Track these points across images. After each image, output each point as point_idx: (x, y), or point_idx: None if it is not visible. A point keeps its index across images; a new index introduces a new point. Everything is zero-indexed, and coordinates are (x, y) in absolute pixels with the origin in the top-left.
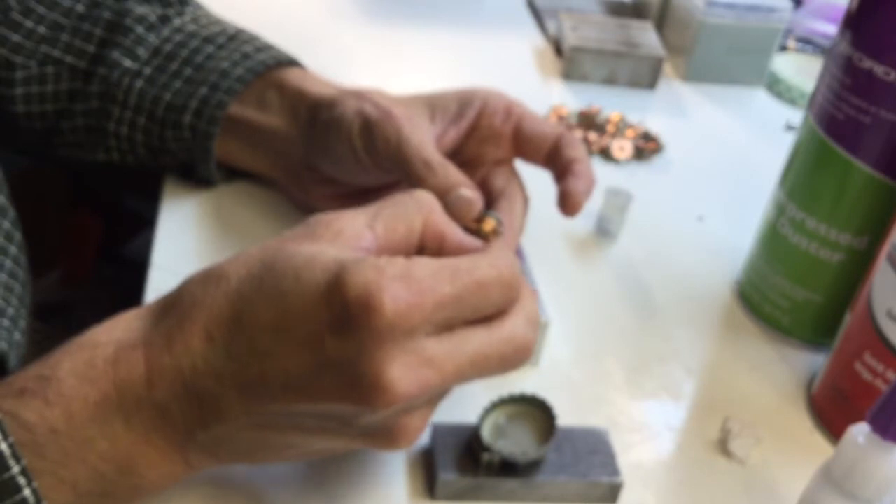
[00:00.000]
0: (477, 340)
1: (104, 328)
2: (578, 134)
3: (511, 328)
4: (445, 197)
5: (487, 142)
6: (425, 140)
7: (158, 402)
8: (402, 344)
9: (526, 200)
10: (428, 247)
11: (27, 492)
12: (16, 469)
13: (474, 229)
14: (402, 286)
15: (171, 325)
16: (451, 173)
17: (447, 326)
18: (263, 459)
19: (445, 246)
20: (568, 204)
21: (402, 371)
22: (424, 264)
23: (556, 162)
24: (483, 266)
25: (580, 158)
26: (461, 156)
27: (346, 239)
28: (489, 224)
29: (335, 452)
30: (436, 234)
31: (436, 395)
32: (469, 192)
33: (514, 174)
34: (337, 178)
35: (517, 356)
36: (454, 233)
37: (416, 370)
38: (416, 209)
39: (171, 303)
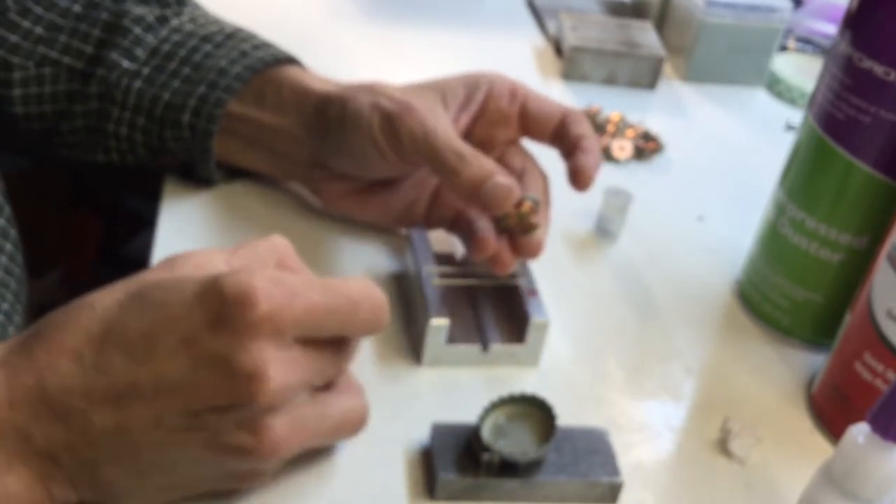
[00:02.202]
0: (331, 363)
1: None
2: None
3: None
4: (481, 186)
5: (496, 124)
6: (450, 131)
7: (20, 425)
8: (274, 340)
9: (545, 177)
10: None
11: None
12: None
13: (512, 215)
14: (274, 287)
15: (33, 349)
16: (485, 162)
17: (313, 338)
18: (128, 494)
19: None
20: (580, 179)
21: (274, 361)
22: (295, 277)
23: (564, 139)
24: (354, 283)
25: (587, 135)
26: (472, 140)
27: (205, 271)
28: (526, 206)
29: (206, 484)
30: None
31: (298, 406)
32: (506, 180)
33: (527, 153)
34: (351, 175)
35: (361, 415)
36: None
37: (286, 365)
38: (271, 251)
39: (33, 332)
